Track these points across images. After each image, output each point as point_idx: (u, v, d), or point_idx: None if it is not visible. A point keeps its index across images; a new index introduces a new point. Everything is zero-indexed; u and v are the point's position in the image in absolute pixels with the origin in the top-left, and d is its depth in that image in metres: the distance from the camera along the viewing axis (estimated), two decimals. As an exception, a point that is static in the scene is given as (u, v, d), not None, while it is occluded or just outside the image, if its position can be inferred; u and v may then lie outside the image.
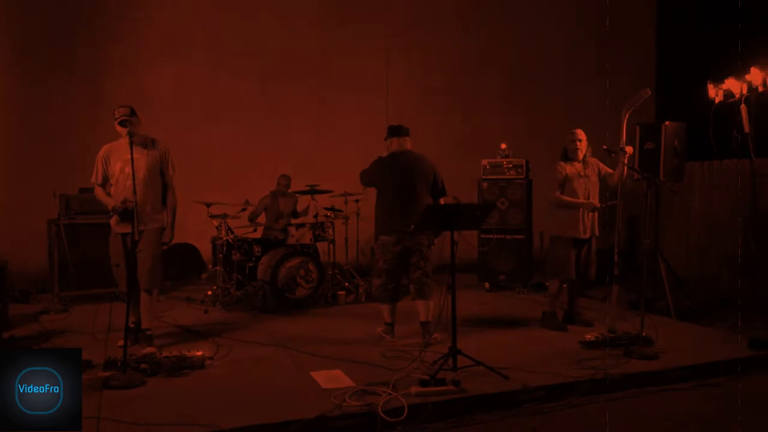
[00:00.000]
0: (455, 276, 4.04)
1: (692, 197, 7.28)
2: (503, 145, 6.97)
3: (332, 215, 6.68)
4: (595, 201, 5.13)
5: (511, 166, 6.87)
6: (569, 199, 5.10)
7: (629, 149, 4.83)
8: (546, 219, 5.37)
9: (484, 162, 6.96)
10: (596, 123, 5.21)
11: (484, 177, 6.97)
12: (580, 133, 5.14)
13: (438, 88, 8.53)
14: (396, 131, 4.84)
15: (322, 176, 6.77)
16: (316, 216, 6.65)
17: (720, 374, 4.22)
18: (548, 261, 5.28)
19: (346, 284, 6.61)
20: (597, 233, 5.20)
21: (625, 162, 4.83)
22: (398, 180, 4.71)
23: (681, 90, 7.72)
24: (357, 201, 6.98)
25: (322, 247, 6.76)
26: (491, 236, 6.76)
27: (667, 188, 5.53)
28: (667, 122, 5.69)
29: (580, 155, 5.10)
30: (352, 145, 7.62)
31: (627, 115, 4.84)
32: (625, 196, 7.22)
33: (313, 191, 6.55)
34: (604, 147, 4.80)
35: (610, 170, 5.17)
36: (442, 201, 4.86)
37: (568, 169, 5.11)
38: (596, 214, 5.16)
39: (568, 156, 5.13)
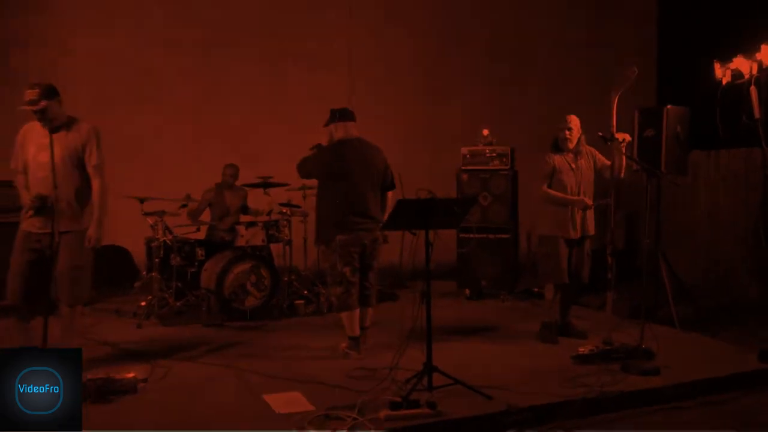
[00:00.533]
0: (430, 282, 4.04)
1: (697, 190, 7.36)
2: (485, 131, 7.01)
3: (288, 212, 6.64)
4: (589, 196, 5.20)
5: (494, 155, 6.90)
6: (557, 194, 5.14)
7: (623, 136, 4.86)
8: (535, 216, 5.38)
9: (464, 150, 6.99)
10: (591, 107, 5.27)
11: (463, 168, 6.99)
12: (572, 120, 5.18)
13: (410, 65, 8.50)
14: (342, 115, 4.86)
15: (276, 166, 6.69)
16: (269, 213, 6.63)
17: (727, 390, 4.25)
18: (539, 264, 5.33)
19: (305, 292, 6.60)
20: (592, 232, 5.25)
21: (623, 151, 4.88)
22: (349, 171, 4.74)
23: (685, 70, 7.80)
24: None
25: (276, 249, 6.73)
26: (472, 236, 6.77)
27: (669, 181, 5.61)
28: (669, 106, 5.77)
29: (571, 145, 5.15)
30: (312, 130, 7.58)
31: (616, 99, 4.90)
32: (622, 190, 7.30)
33: (265, 184, 6.52)
34: (600, 134, 4.86)
35: (606, 161, 5.21)
36: (390, 195, 4.91)
37: (557, 160, 5.15)
38: (590, 211, 5.21)
39: (559, 146, 5.18)
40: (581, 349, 4.69)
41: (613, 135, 4.88)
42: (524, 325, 5.61)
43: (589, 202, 5.14)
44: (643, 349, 4.58)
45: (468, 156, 7.00)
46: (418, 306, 4.12)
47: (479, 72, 8.77)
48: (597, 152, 5.32)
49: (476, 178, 6.95)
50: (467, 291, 7.03)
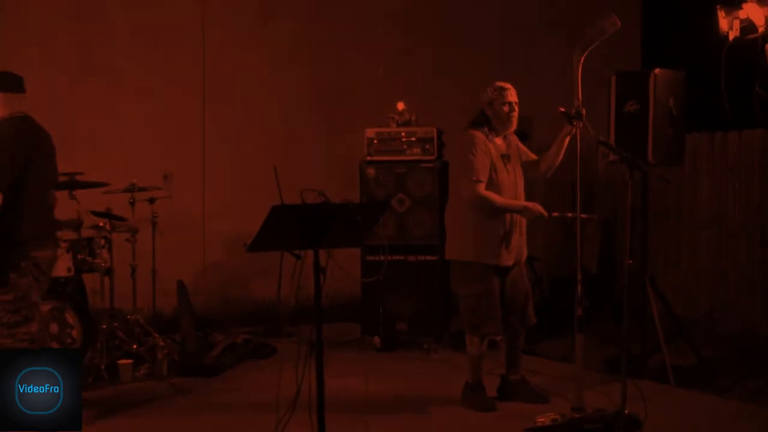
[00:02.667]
0: (322, 327, 4.06)
1: (697, 187, 7.56)
2: (401, 105, 7.05)
3: (108, 226, 6.59)
4: (533, 202, 5.30)
5: (413, 139, 6.97)
6: (503, 201, 5.26)
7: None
8: (449, 234, 5.50)
9: (370, 133, 7.04)
10: (546, 73, 5.83)
11: (369, 158, 7.06)
12: (513, 92, 5.33)
13: (288, 8, 8.52)
14: (13, 83, 4.96)
15: (86, 158, 6.60)
16: (77, 226, 6.43)
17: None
18: (460, 304, 5.43)
19: (135, 347, 6.50)
20: (525, 256, 5.46)
21: (591, 132, 5.04)
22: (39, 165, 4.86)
23: (679, 21, 8.06)
24: (153, 201, 6.98)
25: (90, 281, 6.65)
26: (382, 258, 6.66)
27: (658, 176, 5.61)
28: (657, 70, 5.90)
29: (512, 127, 5.36)
30: (147, 101, 7.66)
31: (582, 59, 5.09)
32: (595, 190, 7.65)
33: (71, 183, 6.34)
34: (562, 110, 5.07)
35: (531, 155, 5.51)
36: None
37: (491, 146, 5.29)
38: (524, 226, 5.37)
39: (490, 125, 5.34)
40: (540, 419, 4.72)
41: (579, 111, 5.02)
42: (459, 387, 5.53)
43: (542, 210, 5.22)
44: (626, 416, 4.58)
45: (376, 141, 7.01)
46: (304, 365, 4.13)
47: (395, 12, 8.69)
48: (517, 140, 5.55)
49: (389, 173, 6.99)
50: (376, 339, 7.05)
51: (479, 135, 5.30)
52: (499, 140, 5.39)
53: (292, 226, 4.11)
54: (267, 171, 4.59)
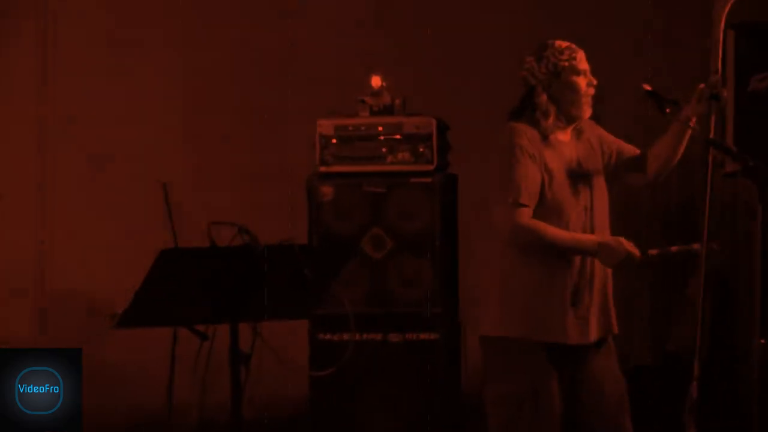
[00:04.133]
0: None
1: None
2: (376, 80, 6.61)
3: None
4: (605, 230, 4.96)
5: (398, 137, 6.50)
6: (563, 235, 4.81)
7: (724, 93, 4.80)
8: (484, 290, 4.98)
9: (324, 126, 6.55)
10: (623, 36, 5.95)
11: (324, 169, 6.55)
12: (582, 55, 4.91)
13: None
14: None
15: None
16: None
17: None
18: (488, 415, 5.03)
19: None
20: (616, 330, 4.94)
21: (691, 125, 4.74)
22: None
23: None
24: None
25: None
26: (346, 338, 6.33)
27: None
28: None
29: (586, 112, 4.89)
30: None
31: (729, 4, 4.85)
32: (702, 218, 7.45)
33: None
34: (647, 87, 4.77)
35: (632, 148, 5.12)
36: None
37: (545, 148, 4.82)
38: (610, 278, 4.93)
39: (549, 112, 4.88)
40: None
41: (717, 89, 4.72)
42: None
43: (632, 247, 4.67)
44: None
45: (335, 141, 6.52)
46: None
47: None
48: (603, 130, 5.17)
49: (357, 193, 6.50)
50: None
51: (525, 130, 4.79)
52: (564, 136, 4.90)
53: (194, 286, 4.37)
54: (152, 192, 4.96)
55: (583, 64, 4.91)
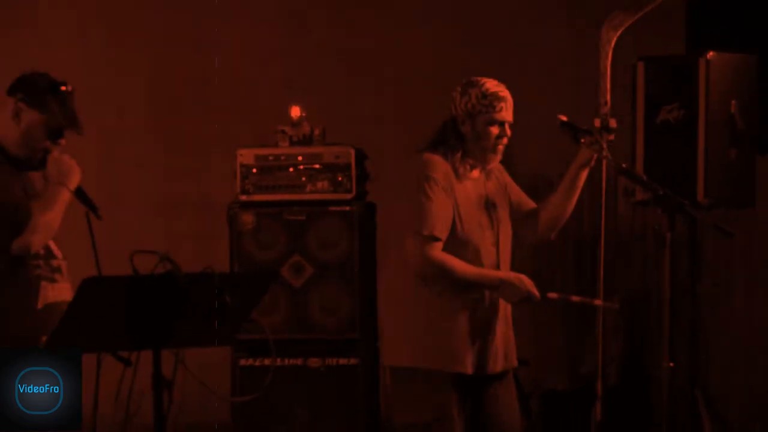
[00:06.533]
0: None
1: None
2: (295, 110, 6.74)
3: None
4: (506, 267, 5.06)
5: (318, 166, 6.67)
6: (469, 269, 4.92)
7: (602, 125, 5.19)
8: (385, 323, 5.32)
9: (245, 156, 6.71)
10: (532, 61, 5.73)
11: (244, 198, 6.71)
12: (510, 103, 5.04)
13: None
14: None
15: None
16: None
17: None
18: None
19: None
20: (516, 363, 5.15)
21: (608, 156, 4.91)
22: None
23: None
24: None
25: None
26: (267, 363, 6.49)
27: (713, 224, 5.45)
28: (711, 53, 5.80)
29: (498, 157, 5.02)
30: None
31: (614, 39, 5.42)
32: (615, 248, 7.57)
33: None
34: (563, 119, 4.91)
35: (530, 201, 5.25)
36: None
37: (457, 184, 4.95)
38: (510, 312, 5.07)
39: (464, 148, 5.00)
40: None
41: (606, 122, 5.21)
42: None
43: (532, 287, 4.86)
44: None
45: (255, 170, 6.68)
46: None
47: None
48: (509, 178, 5.27)
49: (277, 221, 6.67)
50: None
51: (440, 163, 4.93)
52: (475, 172, 5.02)
53: (117, 313, 4.08)
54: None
55: (503, 114, 4.97)
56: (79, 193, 4.94)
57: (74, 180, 4.97)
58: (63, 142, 4.97)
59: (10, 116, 4.96)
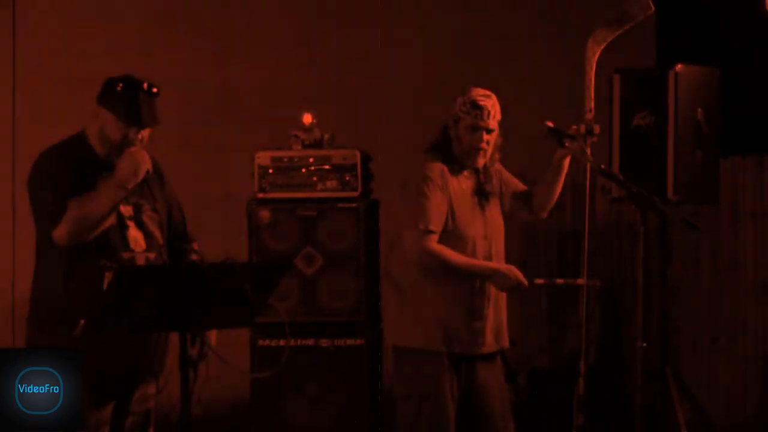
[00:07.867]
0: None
1: (739, 236, 7.76)
2: (307, 117, 6.96)
3: None
4: (501, 258, 5.31)
5: (327, 167, 6.86)
6: (463, 260, 5.18)
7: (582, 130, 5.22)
8: (387, 307, 5.57)
9: (262, 158, 6.90)
10: (531, 78, 5.85)
11: (261, 196, 6.89)
12: (490, 102, 5.26)
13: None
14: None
15: None
16: None
17: None
18: (399, 413, 5.40)
19: None
20: (507, 345, 5.40)
21: (589, 158, 5.17)
22: None
23: (708, 3, 8.19)
24: None
25: None
26: (282, 344, 6.53)
27: (681, 219, 5.70)
28: (679, 66, 6.05)
29: (483, 159, 5.25)
30: None
31: (598, 53, 5.36)
32: (594, 239, 7.52)
33: None
34: (549, 125, 5.13)
35: (521, 185, 5.50)
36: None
37: (452, 182, 5.22)
38: (502, 297, 5.31)
39: (452, 155, 5.29)
40: None
41: (590, 127, 5.26)
42: None
43: (520, 275, 5.09)
44: None
45: (271, 171, 6.86)
46: None
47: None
48: (504, 170, 5.51)
49: (291, 217, 6.83)
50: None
51: (436, 165, 5.22)
52: (468, 171, 5.30)
53: (147, 299, 4.14)
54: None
55: (484, 120, 5.20)
56: None
57: (136, 177, 4.75)
58: (139, 137, 4.86)
59: (94, 118, 4.95)
